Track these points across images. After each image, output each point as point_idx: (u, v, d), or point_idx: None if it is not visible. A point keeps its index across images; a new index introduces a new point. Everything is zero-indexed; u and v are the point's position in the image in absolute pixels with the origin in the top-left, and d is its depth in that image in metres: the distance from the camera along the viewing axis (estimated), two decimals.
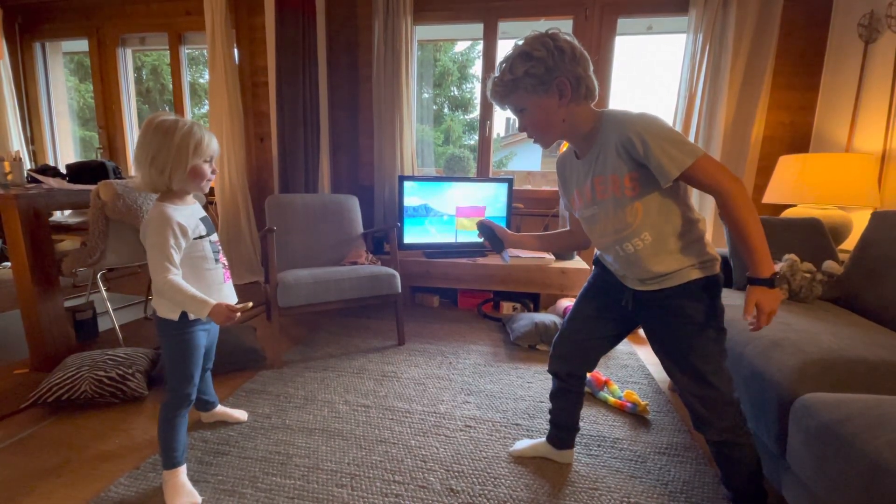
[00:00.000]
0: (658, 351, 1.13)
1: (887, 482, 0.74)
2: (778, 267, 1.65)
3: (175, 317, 1.20)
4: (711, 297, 1.05)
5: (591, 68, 1.02)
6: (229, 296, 1.34)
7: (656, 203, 1.01)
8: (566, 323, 1.30)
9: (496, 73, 1.05)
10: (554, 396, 1.36)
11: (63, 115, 4.07)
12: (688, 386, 1.07)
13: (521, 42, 1.01)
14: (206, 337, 1.31)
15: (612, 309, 1.21)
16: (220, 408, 1.58)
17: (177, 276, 1.15)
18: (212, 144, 1.22)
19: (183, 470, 1.25)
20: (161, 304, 1.21)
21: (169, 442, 1.23)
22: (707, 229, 1.08)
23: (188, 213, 1.22)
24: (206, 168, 1.22)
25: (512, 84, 1.02)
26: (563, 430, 1.38)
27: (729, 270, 1.86)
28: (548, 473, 1.35)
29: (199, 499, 1.22)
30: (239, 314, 1.17)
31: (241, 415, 1.60)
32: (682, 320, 1.06)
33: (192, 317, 1.22)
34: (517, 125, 1.09)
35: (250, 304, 1.21)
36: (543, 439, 1.43)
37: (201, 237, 1.25)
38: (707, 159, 0.93)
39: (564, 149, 1.26)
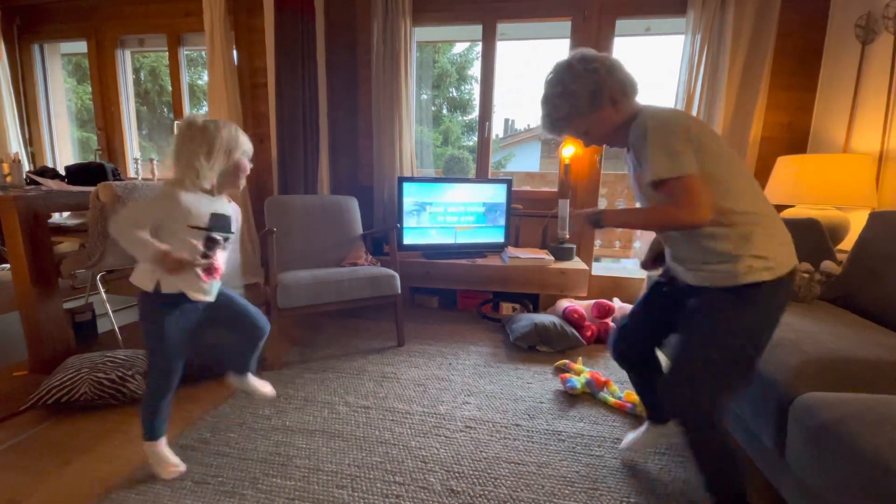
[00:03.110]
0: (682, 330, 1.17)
1: (888, 481, 0.75)
2: None
3: (149, 287, 1.22)
4: (745, 303, 1.04)
5: (625, 65, 1.11)
6: (206, 291, 1.31)
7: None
8: (626, 318, 1.36)
9: (543, 115, 1.18)
10: (632, 381, 1.42)
11: (61, 116, 4.06)
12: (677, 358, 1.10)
13: (551, 78, 1.13)
14: (186, 320, 1.30)
15: (664, 303, 1.28)
16: (250, 378, 1.54)
17: (123, 220, 1.19)
18: (246, 140, 1.32)
19: (163, 441, 1.32)
20: (137, 273, 1.26)
21: (147, 411, 1.29)
22: (766, 230, 1.05)
23: (196, 200, 1.25)
24: (246, 162, 1.32)
25: (562, 121, 1.14)
26: (653, 405, 1.41)
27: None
28: (548, 473, 1.36)
29: (184, 466, 1.29)
30: (193, 264, 1.21)
31: (269, 389, 1.57)
32: (710, 315, 1.08)
33: (165, 290, 1.23)
34: (584, 143, 1.22)
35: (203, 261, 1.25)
36: (645, 427, 1.42)
37: (198, 227, 1.25)
38: (685, 182, 0.99)
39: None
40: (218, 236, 1.30)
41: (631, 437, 1.46)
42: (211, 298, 1.34)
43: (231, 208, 1.36)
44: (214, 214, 1.28)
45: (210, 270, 1.30)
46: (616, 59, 1.11)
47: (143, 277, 1.24)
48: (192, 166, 1.23)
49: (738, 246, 1.03)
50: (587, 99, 1.09)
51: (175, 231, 1.23)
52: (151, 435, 1.30)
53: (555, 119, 1.15)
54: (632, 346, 1.35)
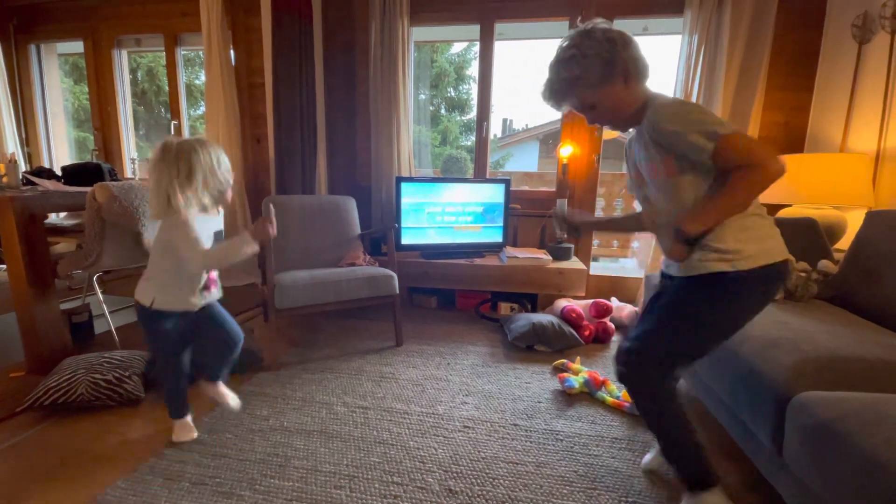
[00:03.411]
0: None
1: (884, 479, 0.75)
2: None
3: (146, 303, 1.36)
4: (724, 291, 1.06)
5: (640, 46, 1.08)
6: (199, 304, 1.43)
7: (690, 184, 1.05)
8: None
9: (549, 78, 1.11)
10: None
11: (58, 116, 4.05)
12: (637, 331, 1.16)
13: (566, 43, 1.07)
14: (183, 322, 1.42)
15: None
16: (221, 386, 1.57)
17: (210, 250, 1.31)
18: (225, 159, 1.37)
19: (186, 418, 1.51)
20: (142, 292, 1.37)
21: (167, 397, 1.49)
22: (762, 225, 1.07)
23: (200, 222, 1.32)
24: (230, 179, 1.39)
25: (568, 85, 1.09)
26: None
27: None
28: (546, 473, 1.36)
29: (195, 434, 1.49)
30: (273, 223, 1.35)
31: (234, 402, 1.59)
32: (683, 300, 1.11)
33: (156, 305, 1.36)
34: (587, 120, 1.15)
35: (272, 210, 1.38)
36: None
37: None
38: (739, 136, 0.96)
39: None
40: None
41: (651, 455, 1.39)
42: (210, 299, 1.47)
43: (220, 219, 1.46)
44: (216, 232, 1.40)
45: (208, 286, 1.43)
46: (634, 39, 1.07)
47: (143, 294, 1.37)
48: (184, 192, 1.27)
49: (721, 237, 1.05)
50: (599, 68, 1.05)
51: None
52: (174, 414, 1.49)
53: (558, 85, 1.10)
54: None
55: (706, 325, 1.09)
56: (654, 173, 1.10)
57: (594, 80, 1.06)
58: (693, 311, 1.09)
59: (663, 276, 1.28)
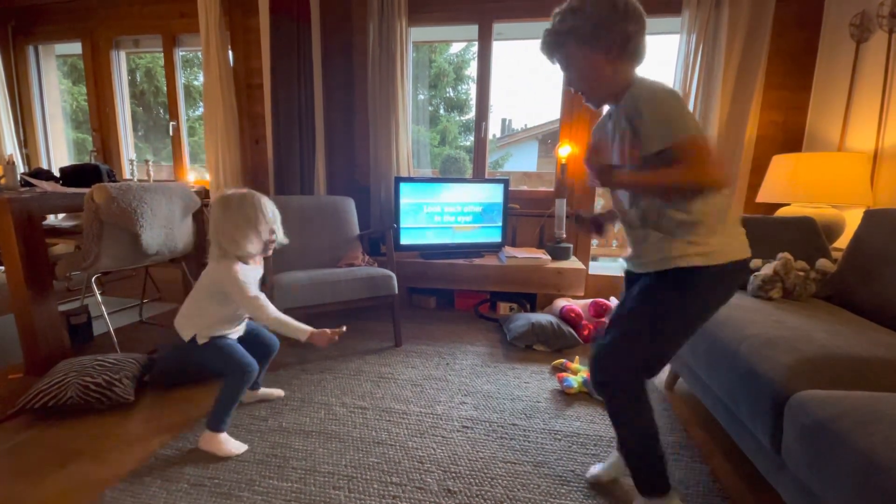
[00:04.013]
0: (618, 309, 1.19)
1: (881, 478, 0.75)
2: (772, 266, 1.66)
3: (187, 337, 1.46)
4: (687, 288, 1.05)
5: (646, 28, 1.03)
6: (238, 332, 1.58)
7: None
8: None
9: (547, 28, 1.08)
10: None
11: (56, 117, 4.05)
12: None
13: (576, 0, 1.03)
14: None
15: None
16: (262, 390, 1.77)
17: (269, 306, 1.44)
18: (266, 213, 1.48)
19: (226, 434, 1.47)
20: (183, 328, 1.47)
21: (227, 408, 1.45)
22: (724, 218, 1.05)
23: (245, 271, 1.46)
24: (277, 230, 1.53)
25: (560, 36, 1.05)
26: None
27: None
28: (544, 473, 1.36)
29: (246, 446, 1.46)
30: (337, 337, 1.45)
31: (278, 392, 1.80)
32: (648, 296, 1.09)
33: (200, 341, 1.46)
34: (564, 81, 1.13)
35: (344, 327, 1.46)
36: (616, 458, 1.31)
37: None
38: (693, 141, 0.92)
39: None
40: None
41: (599, 467, 1.34)
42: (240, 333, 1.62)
43: (261, 267, 1.58)
44: (259, 279, 1.52)
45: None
46: (645, 21, 1.02)
47: (184, 330, 1.47)
48: (237, 242, 1.41)
49: (683, 230, 1.03)
50: (588, 28, 1.00)
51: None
52: (223, 426, 1.45)
53: (551, 36, 1.06)
54: None
55: (681, 321, 1.08)
56: (621, 156, 1.06)
57: (580, 38, 1.01)
58: (669, 311, 1.06)
59: (628, 275, 1.24)
